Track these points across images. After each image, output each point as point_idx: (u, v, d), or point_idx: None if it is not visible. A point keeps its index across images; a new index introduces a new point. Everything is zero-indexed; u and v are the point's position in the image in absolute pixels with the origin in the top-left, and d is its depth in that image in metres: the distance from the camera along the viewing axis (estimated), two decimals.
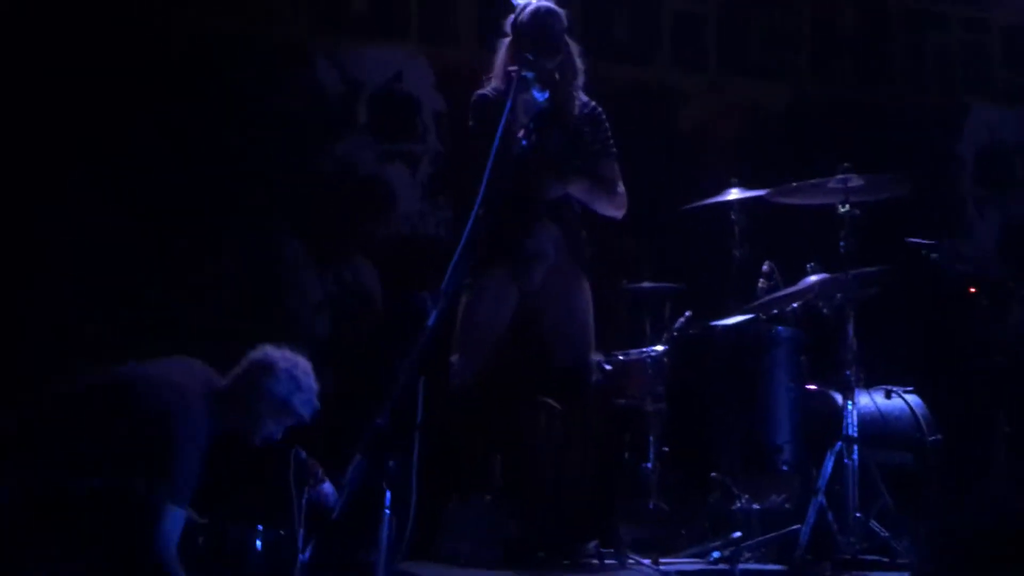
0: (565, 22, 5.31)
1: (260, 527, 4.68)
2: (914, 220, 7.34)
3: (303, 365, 4.65)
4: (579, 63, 5.38)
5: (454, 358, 5.34)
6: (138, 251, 6.49)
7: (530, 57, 4.79)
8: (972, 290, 6.48)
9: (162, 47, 6.73)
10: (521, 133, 4.73)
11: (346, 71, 7.08)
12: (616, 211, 5.45)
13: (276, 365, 4.60)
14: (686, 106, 7.69)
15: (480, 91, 5.41)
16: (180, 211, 6.60)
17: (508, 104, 4.37)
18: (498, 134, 4.14)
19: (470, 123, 5.33)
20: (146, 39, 6.70)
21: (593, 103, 5.45)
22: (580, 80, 5.40)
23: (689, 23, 7.73)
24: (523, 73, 4.68)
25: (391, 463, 3.68)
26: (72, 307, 6.32)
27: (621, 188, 5.43)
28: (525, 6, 5.33)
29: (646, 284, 6.27)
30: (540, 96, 4.85)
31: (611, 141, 5.43)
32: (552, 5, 5.34)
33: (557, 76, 5.14)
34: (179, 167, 6.63)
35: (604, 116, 5.44)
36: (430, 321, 3.75)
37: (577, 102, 5.36)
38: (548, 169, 5.21)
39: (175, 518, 4.22)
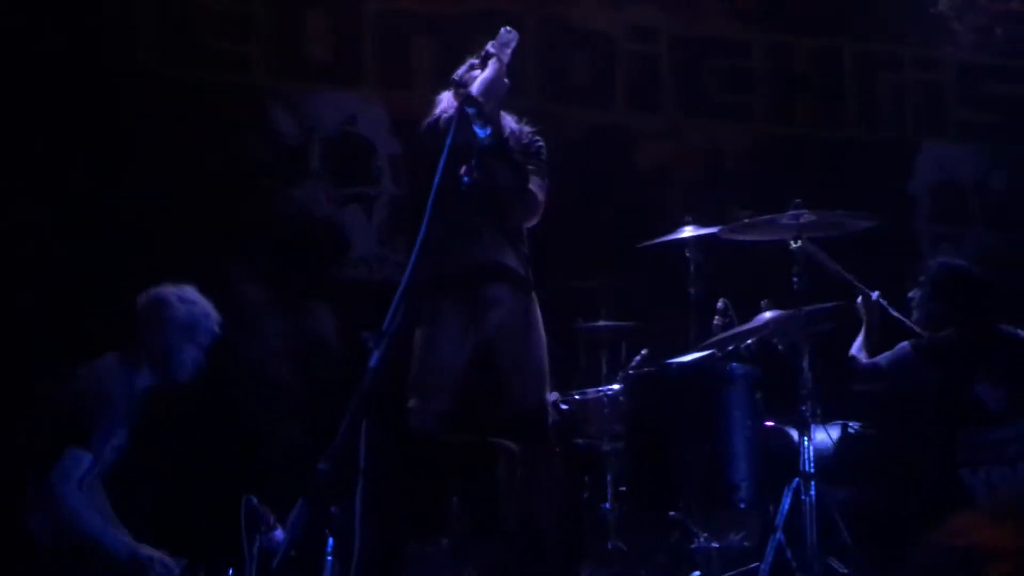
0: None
1: (231, 570, 4.67)
2: (870, 257, 7.39)
3: (187, 289, 4.96)
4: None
5: (412, 402, 5.29)
6: (90, 293, 6.46)
7: (470, 93, 4.80)
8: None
9: (120, 93, 6.75)
10: (463, 170, 4.71)
11: (301, 115, 7.09)
12: (532, 218, 5.40)
13: (163, 296, 4.88)
14: (643, 147, 7.72)
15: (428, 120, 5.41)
16: (136, 254, 6.57)
17: (448, 141, 4.35)
18: (438, 172, 4.12)
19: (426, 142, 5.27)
20: (102, 85, 6.72)
21: (534, 135, 5.44)
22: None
23: (644, 65, 7.77)
24: (465, 109, 4.68)
25: (334, 509, 3.64)
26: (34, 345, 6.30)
27: (541, 197, 5.38)
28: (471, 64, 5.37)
29: (602, 323, 6.27)
30: (482, 132, 4.84)
31: (546, 173, 5.40)
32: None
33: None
34: (136, 211, 6.62)
35: (542, 146, 5.42)
36: (372, 362, 3.71)
37: (518, 131, 5.35)
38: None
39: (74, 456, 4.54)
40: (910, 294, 6.13)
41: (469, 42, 6.05)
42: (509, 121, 5.32)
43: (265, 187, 6.98)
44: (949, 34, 8.42)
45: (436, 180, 4.02)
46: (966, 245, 8.31)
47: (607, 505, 5.73)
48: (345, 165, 7.12)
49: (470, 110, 4.68)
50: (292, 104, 7.08)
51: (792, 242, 5.41)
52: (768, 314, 5.71)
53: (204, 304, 4.98)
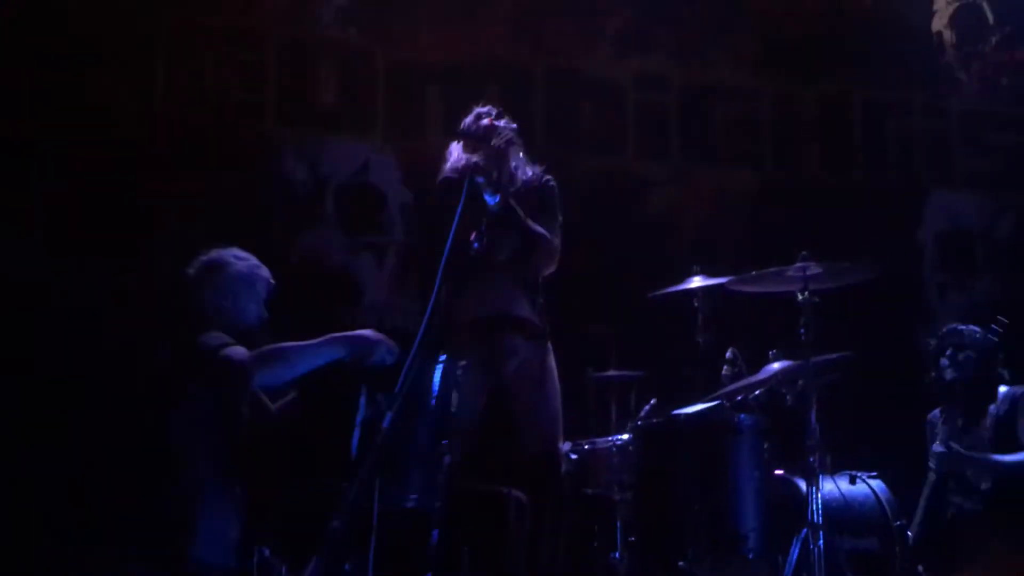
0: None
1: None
2: (878, 305, 7.44)
3: (233, 248, 4.99)
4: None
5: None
6: (104, 341, 6.52)
7: (479, 163, 4.88)
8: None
9: (135, 140, 6.81)
10: (473, 236, 4.79)
11: (313, 163, 7.16)
12: (550, 264, 5.49)
13: (220, 256, 4.92)
14: (651, 195, 7.78)
15: (443, 175, 5.50)
16: (147, 303, 6.63)
17: (459, 209, 4.43)
18: (449, 238, 4.19)
19: (441, 196, 5.35)
20: (118, 131, 6.79)
21: (545, 175, 5.54)
22: (520, 152, 5.48)
23: (653, 113, 7.85)
24: (474, 179, 4.77)
25: (347, 566, 3.68)
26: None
27: (556, 243, 5.47)
28: (477, 114, 5.47)
29: (612, 372, 6.31)
30: (491, 200, 4.93)
31: (558, 213, 5.50)
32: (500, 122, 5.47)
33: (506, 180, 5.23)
34: (148, 258, 6.68)
35: (554, 186, 5.53)
36: (385, 423, 3.77)
37: (525, 174, 5.44)
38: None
39: None
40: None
41: (480, 91, 6.15)
42: (523, 166, 5.41)
43: (278, 234, 7.02)
44: (955, 83, 8.50)
45: (446, 249, 4.10)
46: (974, 291, 8.37)
47: (616, 555, 5.73)
48: (357, 213, 7.18)
49: (479, 179, 4.77)
50: (305, 152, 7.16)
51: (799, 294, 5.46)
52: (776, 364, 5.74)
53: (254, 259, 5.02)
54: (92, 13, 6.82)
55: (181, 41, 6.99)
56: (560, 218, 5.57)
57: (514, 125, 5.47)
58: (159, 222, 6.78)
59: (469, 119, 5.50)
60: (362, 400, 3.96)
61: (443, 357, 4.81)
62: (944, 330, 6.36)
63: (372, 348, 4.64)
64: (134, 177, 6.80)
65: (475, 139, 5.31)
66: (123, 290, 6.63)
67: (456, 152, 5.45)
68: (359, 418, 3.77)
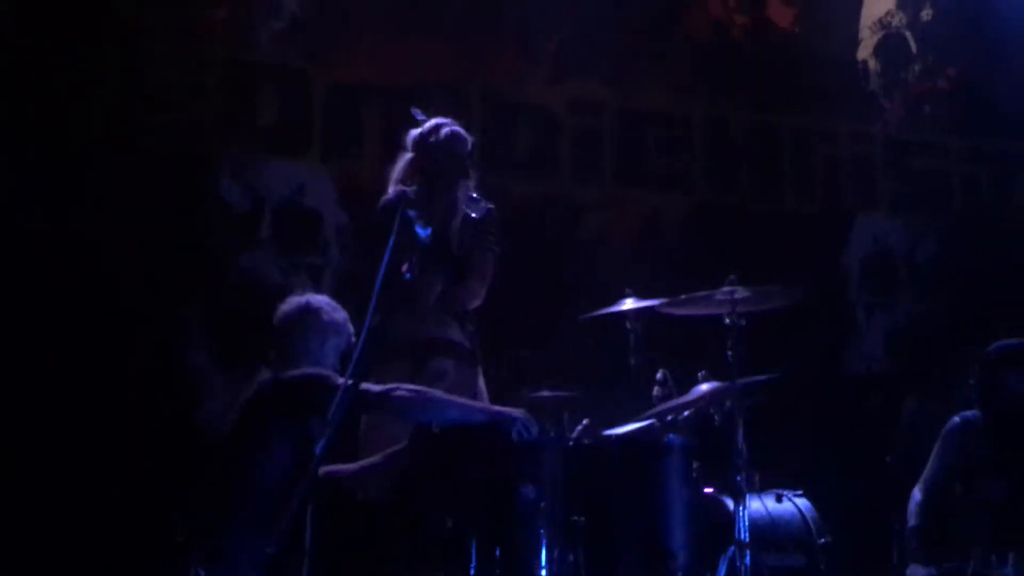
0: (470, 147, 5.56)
1: None
2: (805, 327, 7.61)
3: (326, 297, 5.19)
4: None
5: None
6: (43, 357, 6.53)
7: (410, 196, 4.98)
8: None
9: (72, 161, 6.81)
10: (405, 267, 4.88)
11: (251, 185, 7.19)
12: (476, 302, 5.61)
13: (316, 303, 5.11)
14: (585, 218, 7.89)
15: (386, 197, 5.59)
16: (85, 320, 6.65)
17: (391, 241, 4.52)
18: (381, 271, 4.28)
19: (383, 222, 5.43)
20: (52, 150, 6.78)
21: (486, 203, 5.64)
22: (471, 182, 5.59)
23: (586, 137, 7.97)
24: (406, 211, 4.86)
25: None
26: None
27: (490, 267, 5.60)
28: (436, 125, 5.56)
29: (545, 393, 6.39)
30: (423, 232, 5.02)
31: (496, 242, 5.61)
32: (461, 131, 5.56)
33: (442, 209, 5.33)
34: (85, 276, 6.68)
35: (495, 216, 5.63)
36: (317, 450, 3.83)
37: (468, 202, 5.54)
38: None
39: None
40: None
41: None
42: (466, 191, 5.50)
43: (215, 255, 7.05)
44: (880, 111, 8.71)
45: (379, 279, 4.18)
46: (898, 312, 8.56)
47: (544, 572, 5.80)
48: (294, 235, 7.22)
49: (411, 213, 4.86)
50: (242, 173, 7.18)
51: (727, 317, 5.59)
52: (705, 386, 5.86)
53: (344, 312, 5.13)
54: (28, 35, 6.83)
55: (119, 62, 7.00)
56: (497, 249, 5.68)
57: (470, 140, 5.59)
58: (95, 244, 6.77)
59: (415, 133, 5.59)
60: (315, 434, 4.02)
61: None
62: (999, 348, 6.23)
63: (512, 423, 4.82)
64: (70, 198, 6.80)
65: (424, 156, 5.40)
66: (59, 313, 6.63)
67: (401, 166, 5.53)
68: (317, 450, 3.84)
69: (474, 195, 5.42)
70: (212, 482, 4.85)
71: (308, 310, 5.08)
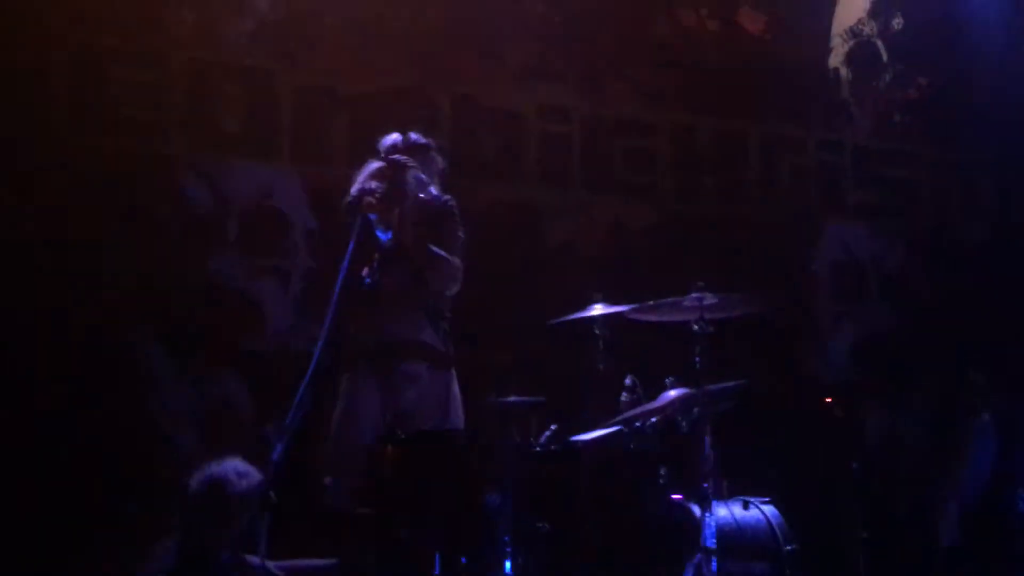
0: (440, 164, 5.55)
1: None
2: (773, 334, 7.62)
3: (234, 462, 5.00)
4: (435, 173, 5.58)
5: (328, 480, 5.37)
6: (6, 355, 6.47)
7: (372, 200, 4.95)
8: (828, 400, 6.64)
9: (32, 160, 6.74)
10: (365, 271, 4.86)
11: (216, 187, 7.13)
12: (454, 286, 5.57)
13: (222, 475, 4.94)
14: (552, 223, 7.88)
15: (349, 199, 5.56)
16: (45, 319, 6.58)
17: (351, 245, 4.50)
18: (341, 274, 4.26)
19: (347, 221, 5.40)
20: (14, 151, 6.72)
21: (447, 197, 5.63)
22: (434, 180, 5.59)
23: (554, 143, 7.95)
24: (367, 215, 4.83)
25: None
26: None
27: (457, 262, 5.56)
28: (410, 140, 5.56)
29: (512, 398, 6.36)
30: (383, 236, 5.00)
31: (459, 228, 5.59)
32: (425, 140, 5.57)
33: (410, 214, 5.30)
34: (47, 276, 6.62)
35: (453, 204, 5.64)
36: (274, 456, 3.81)
37: (418, 184, 5.52)
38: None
39: None
40: None
41: (385, 118, 6.22)
42: (415, 174, 5.46)
43: (181, 258, 7.00)
44: (850, 118, 8.73)
45: (339, 281, 4.16)
46: (865, 319, 8.58)
47: None
48: (261, 237, 7.17)
49: (372, 216, 4.83)
50: (207, 175, 7.12)
51: (695, 324, 5.58)
52: (672, 392, 5.85)
53: (254, 473, 4.97)
54: None
55: (83, 63, 6.93)
56: (461, 236, 5.66)
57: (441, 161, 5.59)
58: (56, 246, 6.71)
59: (388, 140, 5.58)
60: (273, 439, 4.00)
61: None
62: None
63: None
64: (34, 200, 6.73)
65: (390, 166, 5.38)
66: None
67: (367, 170, 5.51)
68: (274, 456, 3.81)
69: (423, 177, 5.38)
70: None
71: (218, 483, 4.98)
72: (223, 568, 4.61)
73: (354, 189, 5.49)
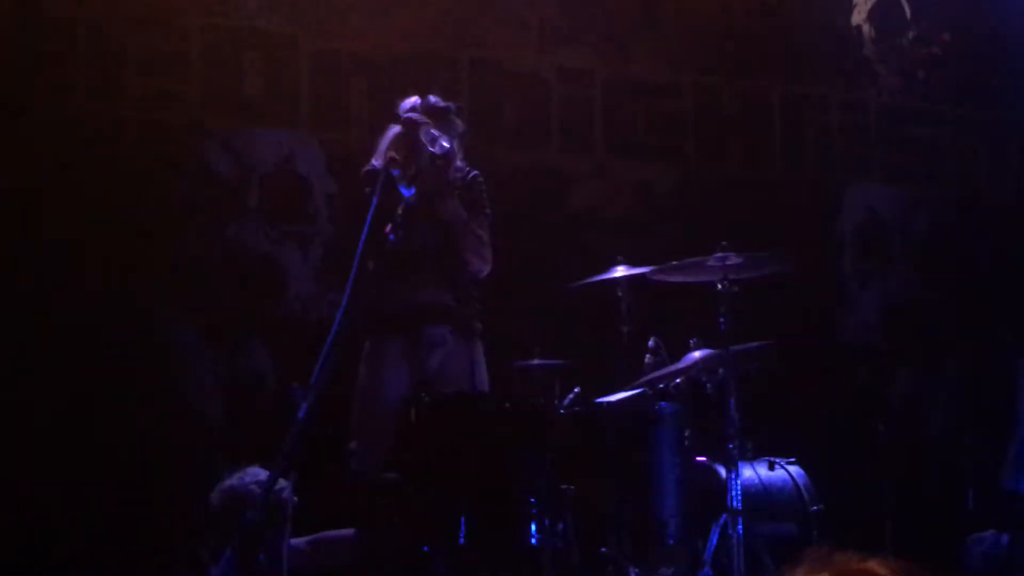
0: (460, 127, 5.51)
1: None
2: (797, 295, 7.57)
3: (254, 470, 5.05)
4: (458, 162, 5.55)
5: (353, 444, 5.37)
6: (27, 330, 6.46)
7: (396, 156, 4.92)
8: None
9: (53, 129, 6.74)
10: (388, 228, 4.82)
11: (237, 153, 7.11)
12: (483, 265, 5.56)
13: (243, 488, 5.01)
14: (575, 187, 7.84)
15: (366, 168, 5.55)
16: (71, 290, 6.59)
17: (373, 201, 4.47)
18: (364, 231, 4.23)
19: (366, 190, 5.38)
20: (35, 120, 6.71)
21: (471, 170, 5.60)
22: (459, 153, 5.56)
23: (577, 107, 7.90)
24: (390, 170, 4.80)
25: (261, 556, 3.69)
26: None
27: (485, 236, 5.59)
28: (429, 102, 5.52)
29: (536, 362, 6.35)
30: (407, 191, 4.96)
31: (486, 205, 5.57)
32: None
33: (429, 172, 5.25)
34: (68, 247, 6.62)
35: (481, 181, 5.61)
36: (300, 414, 3.78)
37: (455, 171, 5.50)
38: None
39: None
40: None
41: (404, 82, 6.18)
42: (427, 128, 5.42)
43: (202, 224, 6.99)
44: (874, 77, 8.64)
45: (362, 240, 4.13)
46: (892, 281, 8.52)
47: (534, 542, 5.77)
48: (282, 203, 7.15)
49: (395, 172, 4.80)
50: (228, 142, 7.09)
51: (719, 284, 5.55)
52: (697, 353, 5.82)
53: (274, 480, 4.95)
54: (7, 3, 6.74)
55: (101, 31, 6.91)
56: (489, 212, 5.65)
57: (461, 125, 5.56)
58: (79, 216, 6.70)
59: (407, 102, 5.54)
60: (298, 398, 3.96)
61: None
62: None
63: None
64: (55, 169, 6.73)
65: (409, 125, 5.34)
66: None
67: (389, 136, 5.47)
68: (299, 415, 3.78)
69: (434, 131, 5.33)
70: None
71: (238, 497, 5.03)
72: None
73: (376, 161, 5.47)
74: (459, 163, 5.64)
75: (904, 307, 8.50)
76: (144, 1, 6.97)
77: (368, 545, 5.27)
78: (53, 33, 6.82)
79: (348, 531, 5.50)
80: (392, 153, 5.02)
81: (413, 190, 5.00)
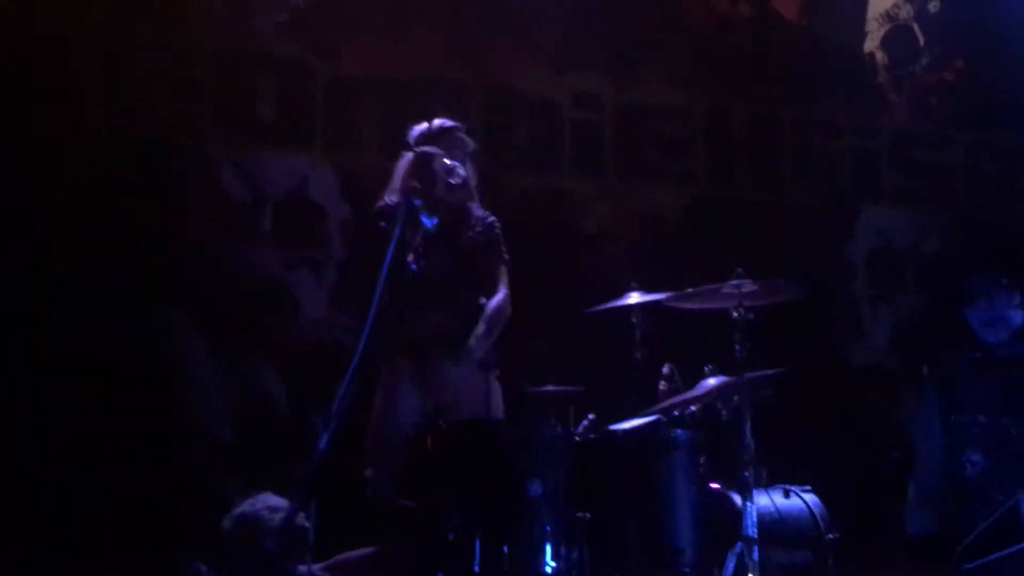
0: (470, 145, 5.51)
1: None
2: (811, 321, 7.56)
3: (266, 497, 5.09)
4: (472, 181, 5.56)
5: (369, 472, 5.37)
6: (37, 352, 6.47)
7: (417, 185, 4.92)
8: None
9: (67, 154, 6.75)
10: (410, 257, 4.83)
11: (251, 178, 7.13)
12: (503, 303, 5.60)
13: (255, 514, 5.05)
14: (586, 211, 7.84)
15: (381, 203, 5.55)
16: (84, 312, 6.58)
17: (396, 231, 4.47)
18: (387, 260, 4.23)
19: (381, 224, 5.39)
20: (50, 145, 6.72)
21: (488, 216, 5.61)
22: (475, 197, 5.57)
23: (588, 131, 7.91)
24: (412, 201, 4.80)
25: None
26: None
27: (505, 290, 5.55)
28: (440, 127, 5.53)
29: (550, 387, 6.34)
30: (428, 222, 4.96)
31: (503, 250, 5.58)
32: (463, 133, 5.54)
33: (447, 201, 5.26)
34: (84, 269, 6.63)
35: (498, 227, 5.61)
36: (321, 444, 3.78)
37: (472, 217, 5.51)
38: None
39: None
40: None
41: (418, 107, 6.20)
42: (473, 207, 5.47)
43: (215, 249, 6.99)
44: (886, 103, 8.65)
45: (383, 272, 4.13)
46: (903, 306, 8.52)
47: (549, 570, 5.75)
48: (295, 228, 7.16)
49: (416, 202, 4.80)
50: (242, 166, 7.12)
51: (734, 311, 5.53)
52: (712, 380, 5.80)
53: (286, 507, 5.05)
54: (13, 28, 6.75)
55: (116, 55, 6.93)
56: (507, 257, 5.65)
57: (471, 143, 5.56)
58: (93, 237, 6.71)
59: (416, 131, 5.55)
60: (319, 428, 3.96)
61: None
62: None
63: None
64: (67, 191, 6.74)
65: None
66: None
67: (402, 167, 5.47)
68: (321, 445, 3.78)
69: (448, 162, 5.33)
70: None
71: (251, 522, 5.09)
72: None
73: (389, 197, 5.48)
74: (478, 211, 5.65)
75: (913, 331, 8.50)
76: (159, 25, 6.99)
77: (384, 570, 5.27)
78: (66, 57, 6.84)
79: (366, 551, 5.49)
80: (413, 183, 5.02)
81: (436, 220, 5.00)
